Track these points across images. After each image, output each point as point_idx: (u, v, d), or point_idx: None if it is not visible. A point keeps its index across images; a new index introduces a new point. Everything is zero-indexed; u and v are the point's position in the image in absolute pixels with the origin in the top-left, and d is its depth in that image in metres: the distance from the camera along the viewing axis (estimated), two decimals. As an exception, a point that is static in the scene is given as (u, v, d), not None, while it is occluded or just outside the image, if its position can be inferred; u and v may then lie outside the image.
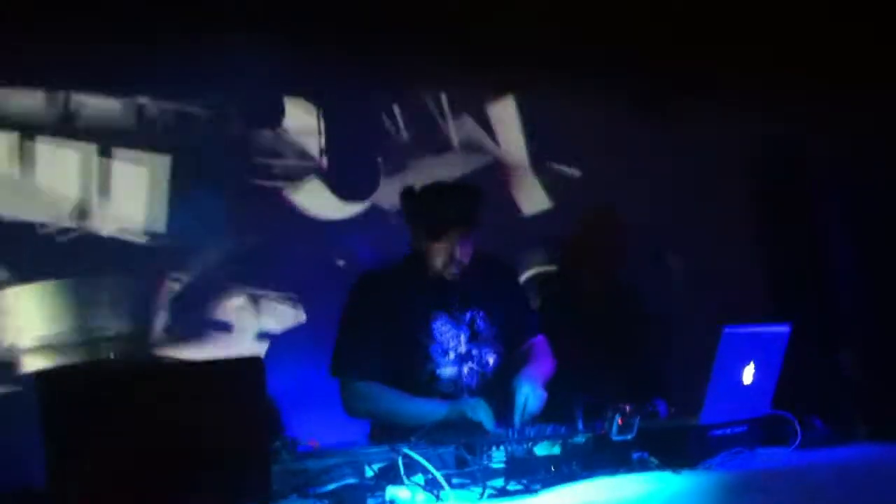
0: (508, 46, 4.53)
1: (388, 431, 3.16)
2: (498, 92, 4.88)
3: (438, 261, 3.36)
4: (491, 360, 3.45)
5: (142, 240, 4.20)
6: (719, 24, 4.73)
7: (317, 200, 4.48)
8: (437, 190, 3.47)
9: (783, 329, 2.96)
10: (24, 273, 4.01)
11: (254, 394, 2.41)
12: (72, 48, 3.98)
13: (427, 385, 3.35)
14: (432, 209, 3.35)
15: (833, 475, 2.73)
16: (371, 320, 3.36)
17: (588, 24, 4.60)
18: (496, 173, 4.88)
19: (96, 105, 4.13)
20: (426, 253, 3.37)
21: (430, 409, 3.22)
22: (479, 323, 3.46)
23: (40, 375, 2.37)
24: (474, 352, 3.43)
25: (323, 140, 4.46)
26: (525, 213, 4.95)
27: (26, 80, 4.01)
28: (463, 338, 3.43)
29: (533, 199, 4.94)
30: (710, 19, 4.69)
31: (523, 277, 4.67)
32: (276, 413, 3.50)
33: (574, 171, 4.95)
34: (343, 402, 3.39)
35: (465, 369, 3.41)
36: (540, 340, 3.58)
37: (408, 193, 3.47)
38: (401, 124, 4.69)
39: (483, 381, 3.42)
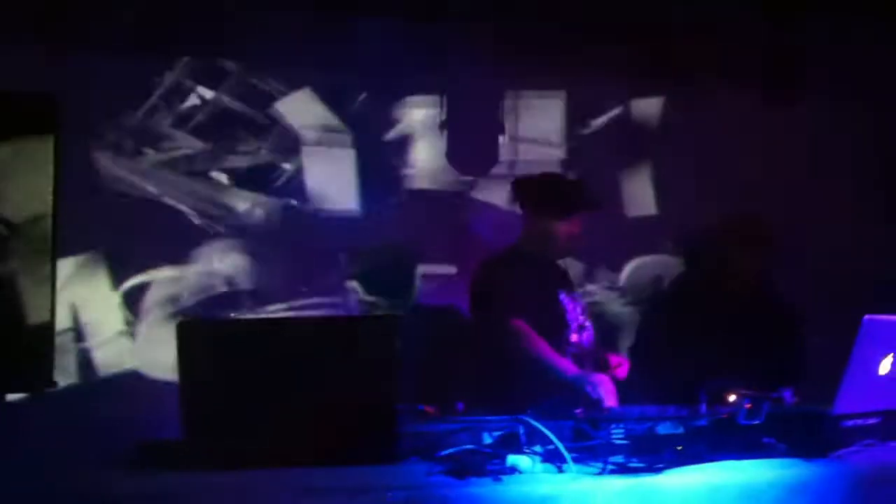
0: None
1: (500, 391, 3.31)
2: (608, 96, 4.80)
3: (563, 240, 3.68)
4: (591, 334, 3.77)
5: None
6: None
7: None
8: (556, 178, 3.91)
9: (926, 320, 2.82)
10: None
11: (386, 352, 2.41)
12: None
13: (565, 346, 3.62)
14: (562, 192, 3.71)
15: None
16: (506, 287, 3.59)
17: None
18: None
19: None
20: (551, 234, 3.68)
21: (562, 366, 3.46)
22: (581, 301, 3.85)
23: (181, 326, 2.41)
24: (586, 323, 3.77)
25: (444, 114, 4.48)
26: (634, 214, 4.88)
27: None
28: (579, 310, 3.78)
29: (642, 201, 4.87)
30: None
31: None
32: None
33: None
34: (484, 339, 3.63)
35: (584, 337, 3.72)
36: None
37: (526, 182, 3.82)
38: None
39: (593, 349, 3.73)
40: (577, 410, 2.91)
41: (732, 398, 3.00)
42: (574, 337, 3.68)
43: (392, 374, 2.45)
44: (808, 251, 4.62)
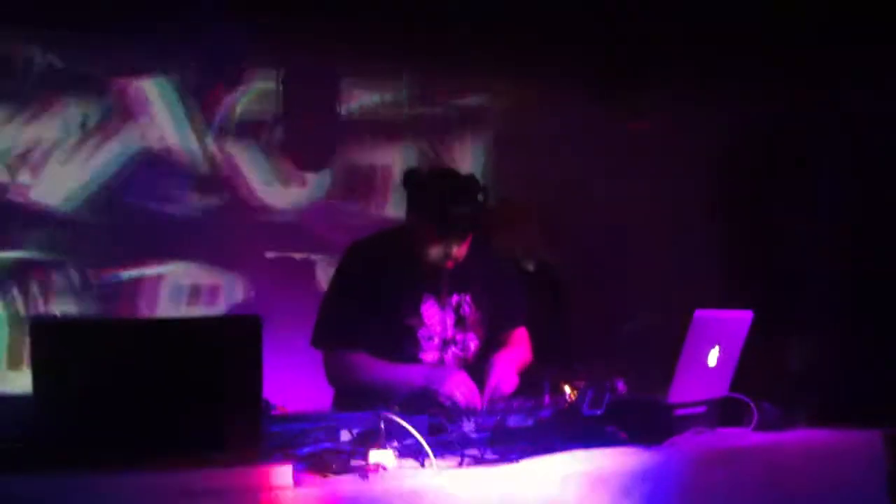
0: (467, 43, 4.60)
1: (354, 399, 3.12)
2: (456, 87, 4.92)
3: (433, 256, 3.20)
4: (473, 345, 3.41)
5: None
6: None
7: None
8: (447, 183, 3.21)
9: (746, 315, 3.06)
10: None
11: (250, 352, 2.38)
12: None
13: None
14: (441, 205, 3.12)
15: (793, 455, 2.85)
16: (359, 292, 3.26)
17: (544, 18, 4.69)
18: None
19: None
20: (422, 245, 3.19)
21: (407, 377, 3.17)
22: (465, 308, 3.38)
23: (34, 325, 2.31)
24: (458, 337, 3.37)
25: (280, 105, 4.45)
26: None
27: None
28: (448, 322, 3.35)
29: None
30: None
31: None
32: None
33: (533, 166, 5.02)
34: (326, 372, 3.35)
35: (449, 354, 3.37)
36: (521, 332, 3.55)
37: (413, 177, 3.23)
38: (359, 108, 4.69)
39: (464, 366, 3.36)
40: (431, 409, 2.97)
41: (568, 389, 3.16)
42: (430, 355, 3.31)
43: (256, 373, 2.43)
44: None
